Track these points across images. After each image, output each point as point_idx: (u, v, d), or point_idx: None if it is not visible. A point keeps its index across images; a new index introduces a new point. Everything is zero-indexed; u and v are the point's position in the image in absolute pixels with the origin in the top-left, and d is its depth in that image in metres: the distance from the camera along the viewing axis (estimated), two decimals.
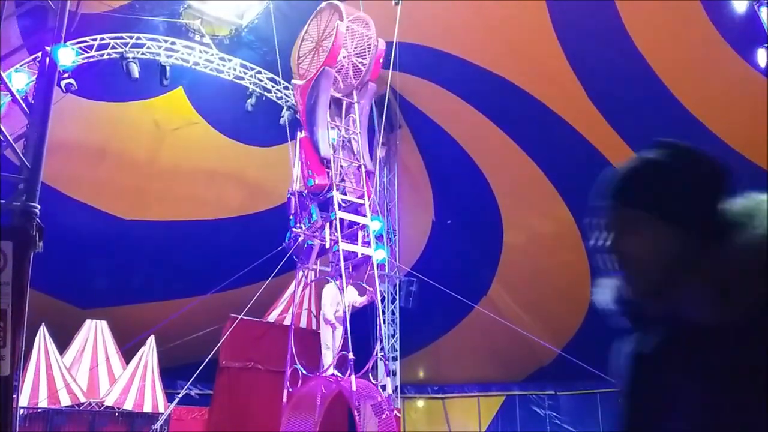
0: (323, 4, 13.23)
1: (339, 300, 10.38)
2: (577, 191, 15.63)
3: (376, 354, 9.70)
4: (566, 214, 15.89)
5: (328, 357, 10.23)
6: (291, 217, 12.55)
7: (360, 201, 12.44)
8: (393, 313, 18.27)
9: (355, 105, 13.08)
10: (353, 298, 10.84)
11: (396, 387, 17.86)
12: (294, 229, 12.35)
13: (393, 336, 18.02)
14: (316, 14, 13.35)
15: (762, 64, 11.32)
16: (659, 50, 12.92)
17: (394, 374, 17.99)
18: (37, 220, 5.42)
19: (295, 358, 11.14)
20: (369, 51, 12.61)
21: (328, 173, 12.36)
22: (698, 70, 12.83)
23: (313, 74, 12.57)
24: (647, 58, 12.95)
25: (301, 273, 16.17)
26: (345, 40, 12.48)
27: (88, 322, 14.98)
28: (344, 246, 11.72)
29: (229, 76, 15.94)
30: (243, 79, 16.10)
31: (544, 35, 13.58)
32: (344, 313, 10.73)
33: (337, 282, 10.72)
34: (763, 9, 10.87)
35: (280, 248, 13.08)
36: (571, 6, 13.20)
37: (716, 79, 12.72)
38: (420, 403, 19.26)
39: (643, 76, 13.07)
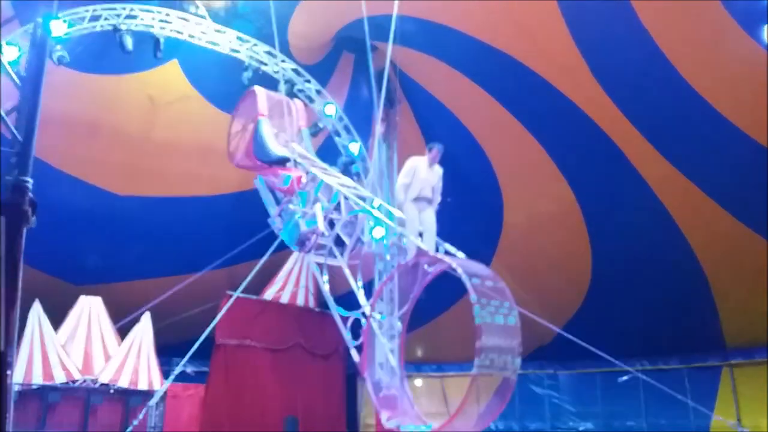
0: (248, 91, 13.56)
1: (425, 176, 9.35)
2: (579, 171, 15.53)
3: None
4: (568, 194, 15.79)
5: (424, 241, 9.12)
6: (280, 233, 12.28)
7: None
8: (391, 291, 18.19)
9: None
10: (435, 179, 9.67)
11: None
12: (291, 206, 12.09)
13: (391, 314, 17.97)
14: (243, 98, 13.67)
15: None
16: (665, 27, 12.69)
17: (393, 353, 17.97)
18: (30, 194, 5.32)
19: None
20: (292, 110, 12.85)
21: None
22: (704, 48, 12.64)
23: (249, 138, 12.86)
24: (653, 35, 12.73)
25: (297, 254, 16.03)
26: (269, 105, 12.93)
27: (82, 298, 14.91)
28: (348, 191, 11.47)
29: (224, 48, 15.62)
30: (239, 51, 15.79)
31: (549, 12, 13.33)
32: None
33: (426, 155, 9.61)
34: None
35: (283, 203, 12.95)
36: None
37: (722, 56, 12.54)
38: (418, 381, 19.29)
39: (649, 53, 12.86)
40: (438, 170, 9.37)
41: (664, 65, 12.93)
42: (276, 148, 12.38)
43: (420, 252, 8.69)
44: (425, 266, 8.55)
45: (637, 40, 12.92)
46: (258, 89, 13.47)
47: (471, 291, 7.16)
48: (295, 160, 12.16)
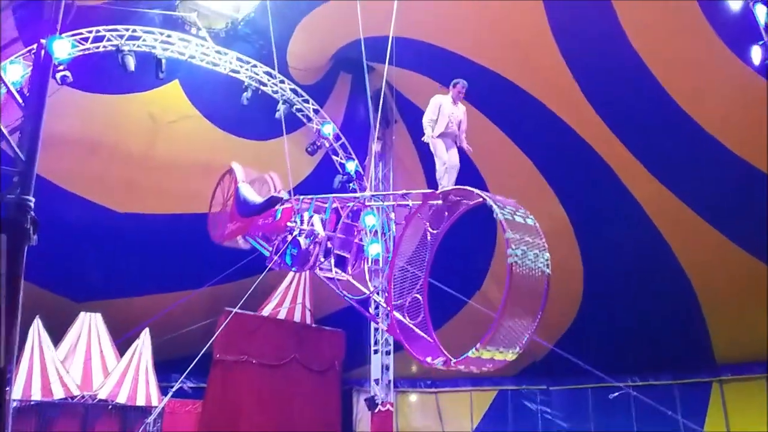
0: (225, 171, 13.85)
1: (450, 111, 9.43)
2: (571, 189, 15.71)
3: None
4: (560, 211, 15.96)
5: (446, 175, 9.23)
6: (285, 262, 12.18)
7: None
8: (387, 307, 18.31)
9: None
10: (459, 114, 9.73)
11: (389, 381, 17.95)
12: (288, 224, 12.14)
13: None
14: (219, 181, 14.10)
15: (756, 61, 11.37)
16: (655, 48, 12.96)
17: (388, 369, 18.08)
18: (32, 213, 5.42)
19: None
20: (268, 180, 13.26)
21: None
22: (693, 68, 12.89)
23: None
24: (642, 56, 13.00)
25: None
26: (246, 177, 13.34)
27: (82, 314, 14.99)
28: (341, 197, 11.49)
29: (224, 69, 15.93)
30: (239, 72, 16.10)
31: (541, 33, 13.61)
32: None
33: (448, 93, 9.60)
34: (758, 7, 10.88)
35: (275, 242, 13.05)
36: (568, 4, 13.23)
37: (710, 77, 12.79)
38: (413, 397, 19.35)
39: (638, 73, 13.12)
40: (462, 107, 9.52)
41: (653, 86, 13.18)
42: (259, 198, 12.56)
43: (426, 195, 8.68)
44: (428, 228, 8.62)
45: (627, 61, 13.17)
46: (235, 165, 13.81)
47: (485, 197, 7.44)
48: (282, 198, 12.20)
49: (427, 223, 8.60)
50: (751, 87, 12.03)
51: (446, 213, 8.62)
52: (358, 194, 11.82)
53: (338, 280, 11.20)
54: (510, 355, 7.16)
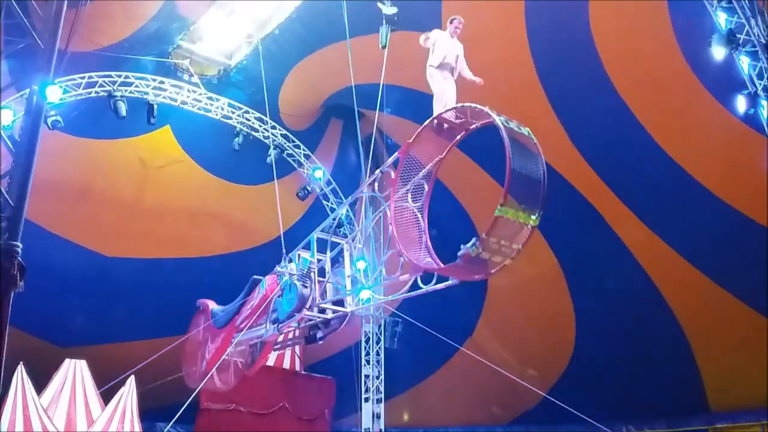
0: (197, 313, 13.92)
1: (447, 45, 9.19)
2: (561, 235, 15.72)
3: None
4: (551, 258, 15.95)
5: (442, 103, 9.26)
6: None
7: None
8: (378, 354, 18.13)
9: None
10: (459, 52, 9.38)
11: (380, 430, 17.63)
12: (278, 268, 11.91)
13: (378, 377, 17.85)
14: (191, 325, 14.24)
15: (740, 110, 11.57)
16: (641, 97, 13.17)
17: (379, 417, 17.77)
18: (19, 259, 5.35)
19: None
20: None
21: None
22: (678, 116, 13.08)
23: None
24: (628, 104, 13.19)
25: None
26: None
27: (67, 361, 14.72)
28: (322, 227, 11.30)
29: (216, 115, 16.05)
30: (230, 118, 16.21)
31: (529, 80, 13.81)
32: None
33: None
34: (742, 57, 11.13)
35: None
36: (555, 53, 13.48)
37: (695, 124, 12.97)
38: None
39: (625, 121, 13.29)
40: (459, 44, 9.63)
41: (639, 132, 13.32)
42: (235, 302, 12.47)
43: (408, 143, 8.87)
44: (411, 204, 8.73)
45: (613, 108, 13.34)
46: (207, 300, 13.92)
47: (486, 110, 7.99)
48: (261, 278, 12.00)
49: (409, 195, 8.84)
50: (735, 134, 12.21)
51: (426, 186, 8.89)
52: (337, 213, 11.59)
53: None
54: (533, 220, 7.35)
